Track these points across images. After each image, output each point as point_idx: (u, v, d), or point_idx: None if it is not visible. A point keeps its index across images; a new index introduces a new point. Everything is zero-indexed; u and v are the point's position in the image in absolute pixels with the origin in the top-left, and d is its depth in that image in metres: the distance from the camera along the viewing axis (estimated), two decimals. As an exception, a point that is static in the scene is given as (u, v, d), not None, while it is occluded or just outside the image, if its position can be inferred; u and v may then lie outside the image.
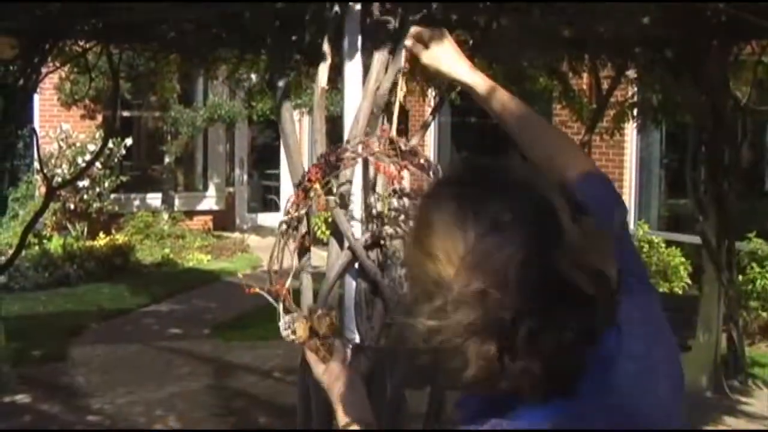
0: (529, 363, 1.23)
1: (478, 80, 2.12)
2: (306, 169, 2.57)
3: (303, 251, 2.62)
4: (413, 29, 2.28)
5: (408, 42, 2.34)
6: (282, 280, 2.59)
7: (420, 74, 2.45)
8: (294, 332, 2.49)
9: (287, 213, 2.59)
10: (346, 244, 2.55)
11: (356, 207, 2.62)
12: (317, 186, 2.53)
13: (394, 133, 2.50)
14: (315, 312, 2.52)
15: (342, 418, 1.95)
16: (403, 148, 2.47)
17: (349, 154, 2.49)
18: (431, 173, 2.47)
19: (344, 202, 2.60)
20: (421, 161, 2.50)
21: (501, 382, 1.26)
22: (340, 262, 2.56)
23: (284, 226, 2.59)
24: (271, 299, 2.57)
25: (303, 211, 2.56)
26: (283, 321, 2.53)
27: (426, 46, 2.25)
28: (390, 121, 2.55)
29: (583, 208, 1.32)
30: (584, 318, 1.25)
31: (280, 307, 2.57)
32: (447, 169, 1.73)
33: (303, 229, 2.60)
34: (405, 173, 2.54)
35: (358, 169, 2.58)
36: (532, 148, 1.92)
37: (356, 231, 2.59)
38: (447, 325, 1.24)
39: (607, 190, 1.73)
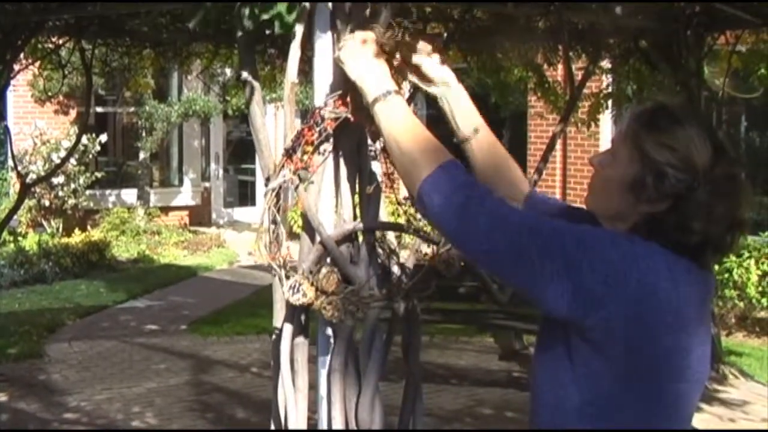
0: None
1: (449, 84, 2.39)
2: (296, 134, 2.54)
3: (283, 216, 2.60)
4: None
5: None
6: (278, 245, 2.57)
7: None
8: (304, 294, 2.47)
9: (274, 178, 2.56)
10: (318, 239, 2.53)
11: (328, 201, 2.60)
12: (310, 148, 2.50)
13: None
14: (319, 272, 2.50)
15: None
16: None
17: (329, 113, 2.48)
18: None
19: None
20: None
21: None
22: (311, 256, 2.53)
23: (272, 192, 2.56)
24: (274, 265, 2.55)
25: (291, 175, 2.52)
26: (287, 285, 2.50)
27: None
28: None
29: None
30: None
31: (282, 273, 2.55)
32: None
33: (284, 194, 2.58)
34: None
35: (329, 162, 2.55)
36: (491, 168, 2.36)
37: (328, 225, 2.56)
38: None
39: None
